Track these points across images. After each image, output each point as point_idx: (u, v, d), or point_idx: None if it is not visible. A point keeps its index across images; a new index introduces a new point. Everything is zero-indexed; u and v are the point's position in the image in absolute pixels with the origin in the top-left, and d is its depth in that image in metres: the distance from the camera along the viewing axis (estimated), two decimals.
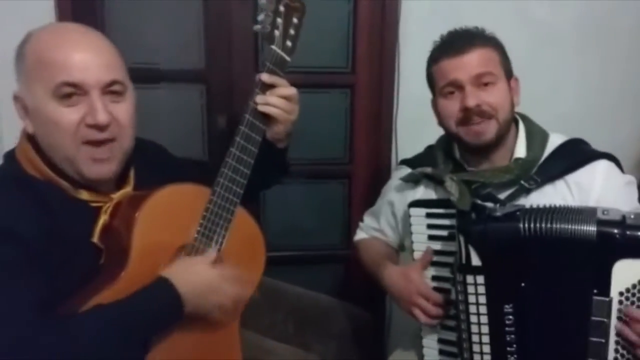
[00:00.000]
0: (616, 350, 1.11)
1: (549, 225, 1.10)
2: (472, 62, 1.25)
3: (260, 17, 1.17)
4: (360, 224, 1.64)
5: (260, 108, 1.17)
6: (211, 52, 1.98)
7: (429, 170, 1.37)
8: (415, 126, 1.98)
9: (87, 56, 1.03)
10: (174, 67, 1.96)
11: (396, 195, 1.48)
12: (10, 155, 1.09)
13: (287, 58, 1.19)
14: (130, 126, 1.10)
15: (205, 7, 1.95)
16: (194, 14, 1.96)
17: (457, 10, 1.92)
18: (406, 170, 1.45)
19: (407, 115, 1.99)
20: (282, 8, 1.17)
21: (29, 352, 0.89)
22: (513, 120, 1.34)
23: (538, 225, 1.11)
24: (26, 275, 0.95)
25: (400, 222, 1.49)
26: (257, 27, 1.18)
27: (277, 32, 1.17)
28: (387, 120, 2.00)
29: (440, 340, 1.32)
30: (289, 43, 1.19)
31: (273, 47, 1.17)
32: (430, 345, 1.33)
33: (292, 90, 1.20)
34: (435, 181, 1.37)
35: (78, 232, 1.05)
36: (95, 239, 1.07)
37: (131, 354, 1.00)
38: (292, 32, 1.19)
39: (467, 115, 1.26)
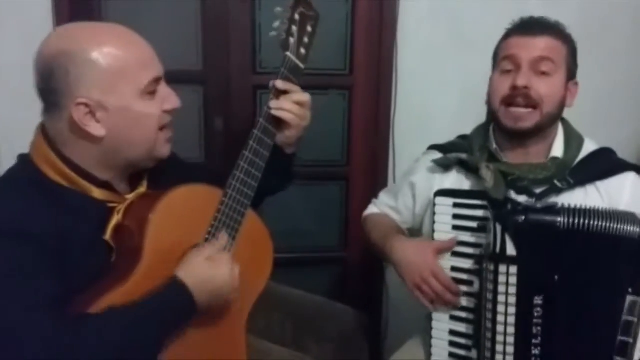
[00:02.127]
0: None
1: (589, 221, 1.12)
2: (538, 45, 1.26)
3: (276, 24, 1.19)
4: (374, 200, 1.61)
5: (274, 113, 1.19)
6: (209, 53, 1.98)
7: (464, 156, 1.36)
8: (413, 128, 1.99)
9: (151, 50, 1.10)
10: (172, 68, 1.91)
11: (422, 178, 1.45)
12: (25, 158, 1.09)
13: (301, 65, 1.21)
14: None
15: (203, 8, 1.96)
16: (191, 15, 1.96)
17: (455, 11, 1.93)
18: (436, 155, 1.42)
19: (404, 117, 1.99)
20: (297, 16, 1.19)
21: (49, 353, 0.91)
22: (559, 118, 1.33)
23: (578, 220, 1.12)
24: (42, 275, 0.96)
25: (419, 206, 1.46)
26: (273, 33, 1.20)
27: (292, 40, 1.19)
28: (385, 122, 2.00)
29: (452, 332, 1.30)
30: (302, 51, 1.21)
31: (288, 53, 1.19)
32: (441, 337, 1.31)
33: (305, 97, 1.23)
34: (468, 169, 1.35)
35: (92, 231, 1.07)
36: (107, 236, 1.08)
37: (146, 355, 1.02)
38: (306, 40, 1.22)
39: (513, 94, 1.26)
